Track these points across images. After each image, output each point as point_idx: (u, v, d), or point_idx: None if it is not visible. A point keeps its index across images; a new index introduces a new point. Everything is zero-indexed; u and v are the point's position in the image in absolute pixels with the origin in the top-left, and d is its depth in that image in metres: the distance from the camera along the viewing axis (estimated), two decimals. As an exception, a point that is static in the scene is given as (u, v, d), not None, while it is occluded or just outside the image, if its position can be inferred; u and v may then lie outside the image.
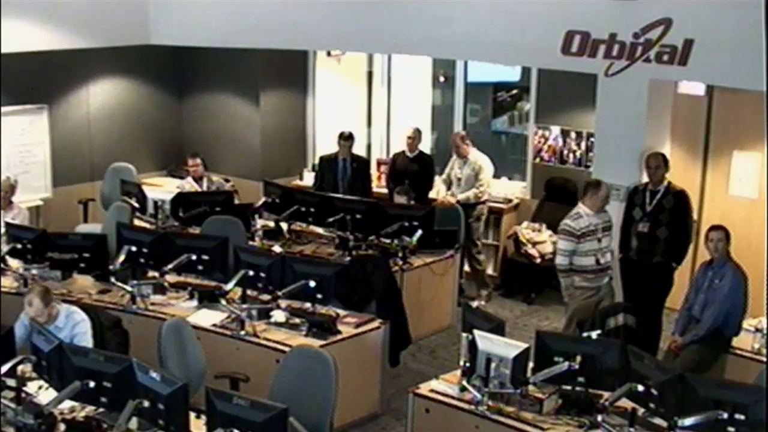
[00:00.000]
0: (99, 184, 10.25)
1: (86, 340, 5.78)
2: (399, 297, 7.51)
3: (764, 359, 6.20)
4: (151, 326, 6.30)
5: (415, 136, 9.61)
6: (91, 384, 5.00)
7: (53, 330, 5.60)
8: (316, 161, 10.44)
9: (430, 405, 5.67)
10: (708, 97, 8.47)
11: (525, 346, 5.42)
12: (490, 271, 9.89)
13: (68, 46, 9.45)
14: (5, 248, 7.37)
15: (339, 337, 6.44)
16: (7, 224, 7.70)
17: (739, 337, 6.53)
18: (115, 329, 6.27)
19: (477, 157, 9.33)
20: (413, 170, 9.50)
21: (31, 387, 5.42)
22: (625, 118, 7.64)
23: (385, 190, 9.84)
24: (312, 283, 6.60)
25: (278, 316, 6.62)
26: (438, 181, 9.63)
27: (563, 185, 9.51)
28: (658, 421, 5.12)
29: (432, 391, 5.72)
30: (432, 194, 9.54)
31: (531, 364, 5.54)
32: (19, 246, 7.33)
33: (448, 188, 9.41)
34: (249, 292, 6.97)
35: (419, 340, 8.10)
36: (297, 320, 6.60)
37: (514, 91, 10.72)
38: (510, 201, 9.86)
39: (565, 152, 9.55)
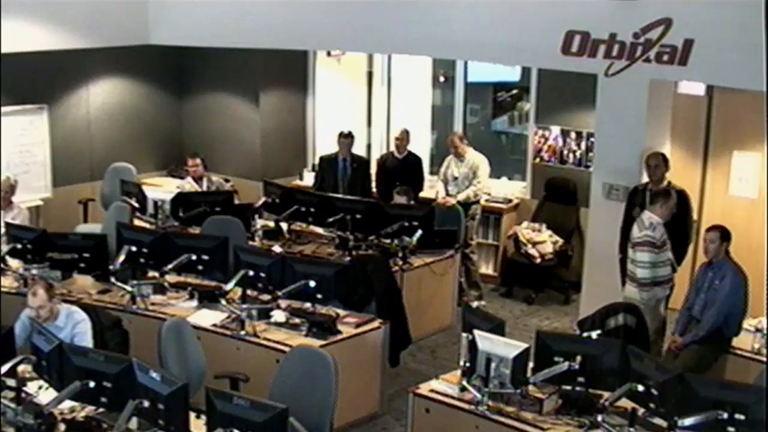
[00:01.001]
0: (99, 184, 10.25)
1: (86, 339, 5.79)
2: (399, 297, 7.51)
3: (764, 359, 6.20)
4: (151, 326, 6.30)
5: (403, 137, 9.64)
6: (91, 384, 5.00)
7: (53, 329, 5.60)
8: (316, 161, 10.44)
9: (430, 405, 5.67)
10: (708, 97, 8.47)
11: (525, 346, 5.42)
12: (489, 271, 9.92)
13: (68, 46, 9.44)
14: (5, 248, 7.37)
15: (339, 337, 6.44)
16: (7, 224, 7.70)
17: (739, 338, 6.53)
18: (115, 329, 6.27)
19: (474, 155, 9.35)
20: (403, 171, 9.50)
21: (31, 387, 5.42)
22: (625, 118, 7.64)
23: (384, 191, 9.85)
24: (312, 283, 6.60)
25: (278, 316, 6.62)
26: (435, 181, 9.63)
27: (563, 185, 9.52)
28: (658, 421, 5.12)
29: (432, 391, 5.71)
30: (431, 194, 9.55)
31: (531, 364, 5.54)
32: (19, 246, 7.32)
33: (446, 187, 9.43)
34: (249, 292, 6.97)
35: (419, 340, 8.10)
36: (297, 320, 6.60)
37: (514, 91, 10.72)
38: (510, 201, 9.88)
39: (565, 152, 9.56)
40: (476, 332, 5.52)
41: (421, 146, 10.55)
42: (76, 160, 10.44)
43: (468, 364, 5.56)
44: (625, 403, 5.27)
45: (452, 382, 5.72)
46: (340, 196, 9.11)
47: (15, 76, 9.39)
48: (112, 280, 7.03)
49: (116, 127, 10.84)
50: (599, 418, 5.09)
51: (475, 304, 8.89)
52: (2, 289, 7.03)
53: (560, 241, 9.25)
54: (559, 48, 7.72)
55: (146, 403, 4.81)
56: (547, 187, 9.65)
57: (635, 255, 7.02)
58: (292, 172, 11.12)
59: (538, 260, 9.19)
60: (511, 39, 8.06)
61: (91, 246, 7.29)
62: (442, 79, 11.02)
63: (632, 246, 7.06)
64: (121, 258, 7.14)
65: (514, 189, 10.07)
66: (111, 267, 7.11)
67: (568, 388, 5.46)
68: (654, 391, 5.07)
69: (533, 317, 9.01)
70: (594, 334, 5.94)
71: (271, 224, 8.86)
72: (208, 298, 6.92)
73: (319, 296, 6.66)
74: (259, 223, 8.90)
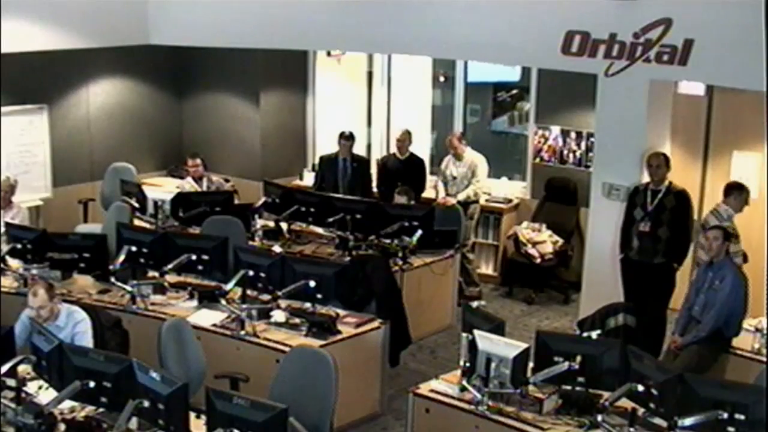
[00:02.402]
0: (99, 184, 10.25)
1: (87, 339, 5.79)
2: (399, 297, 7.51)
3: (764, 359, 6.20)
4: (151, 326, 6.30)
5: (405, 138, 9.64)
6: (91, 384, 5.00)
7: (54, 329, 5.60)
8: (316, 161, 10.44)
9: (430, 405, 5.67)
10: (708, 97, 8.47)
11: (525, 346, 5.42)
12: (489, 271, 9.92)
13: (68, 46, 9.45)
14: (5, 248, 7.37)
15: (339, 337, 6.44)
16: (7, 224, 7.70)
17: (739, 338, 6.53)
18: (115, 329, 6.27)
19: (472, 155, 9.38)
20: (405, 172, 9.50)
21: (31, 387, 5.42)
22: (625, 118, 7.64)
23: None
24: (312, 283, 6.60)
25: (278, 316, 6.62)
26: (436, 181, 9.63)
27: (563, 185, 9.52)
28: (658, 421, 5.12)
29: (432, 391, 5.71)
30: (431, 194, 9.56)
31: (531, 364, 5.54)
32: (19, 246, 7.32)
33: (445, 187, 9.43)
34: (249, 292, 6.97)
35: (419, 340, 8.10)
36: (297, 320, 6.60)
37: (514, 91, 10.72)
38: (510, 201, 9.88)
39: (565, 152, 9.56)
40: (476, 332, 5.52)
41: (421, 146, 10.54)
42: (76, 160, 10.44)
43: (468, 364, 5.56)
44: (625, 403, 5.27)
45: (452, 382, 5.72)
46: (340, 196, 9.11)
47: (15, 76, 9.39)
48: (112, 280, 7.03)
49: (116, 127, 10.84)
50: (599, 418, 5.09)
51: (475, 303, 8.88)
52: (2, 289, 7.03)
53: (560, 241, 9.25)
54: (559, 48, 7.72)
55: (146, 403, 4.81)
56: (547, 187, 9.65)
57: None
58: (292, 172, 11.12)
59: (538, 260, 9.19)
60: (511, 39, 8.06)
61: (91, 246, 7.28)
62: (442, 79, 11.02)
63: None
64: (121, 258, 7.14)
65: (514, 189, 10.07)
66: (111, 267, 7.11)
67: (568, 388, 5.46)
68: (654, 391, 5.07)
69: (533, 317, 9.01)
70: (594, 334, 5.94)
71: (271, 224, 8.86)
72: (208, 298, 6.91)
73: (319, 296, 6.66)
74: (259, 223, 8.90)
